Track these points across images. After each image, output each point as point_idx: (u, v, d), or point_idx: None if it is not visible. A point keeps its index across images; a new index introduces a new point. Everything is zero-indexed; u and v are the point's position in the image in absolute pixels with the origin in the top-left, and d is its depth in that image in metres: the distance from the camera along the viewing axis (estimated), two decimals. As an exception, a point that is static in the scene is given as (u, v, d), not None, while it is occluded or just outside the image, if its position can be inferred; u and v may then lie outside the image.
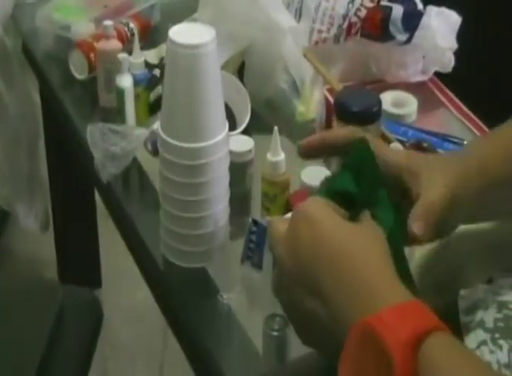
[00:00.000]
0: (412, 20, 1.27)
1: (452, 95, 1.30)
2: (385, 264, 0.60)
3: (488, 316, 0.67)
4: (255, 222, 0.97)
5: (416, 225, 0.66)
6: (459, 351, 0.55)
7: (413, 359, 0.53)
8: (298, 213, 0.63)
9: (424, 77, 1.32)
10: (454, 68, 1.30)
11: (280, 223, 0.65)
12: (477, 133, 1.22)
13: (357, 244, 0.61)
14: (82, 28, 1.36)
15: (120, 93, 1.23)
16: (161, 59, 1.29)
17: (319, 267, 0.60)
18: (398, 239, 0.65)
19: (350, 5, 1.30)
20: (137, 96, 1.24)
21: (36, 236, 1.79)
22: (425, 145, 1.13)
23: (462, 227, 0.75)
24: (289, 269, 0.63)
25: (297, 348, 0.88)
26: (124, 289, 1.75)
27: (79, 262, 1.72)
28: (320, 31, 1.30)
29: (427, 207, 0.68)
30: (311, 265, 0.61)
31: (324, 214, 0.63)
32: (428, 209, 0.68)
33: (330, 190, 0.67)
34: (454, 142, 1.17)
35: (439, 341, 0.54)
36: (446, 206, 0.68)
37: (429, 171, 0.70)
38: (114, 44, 1.30)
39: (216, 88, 0.95)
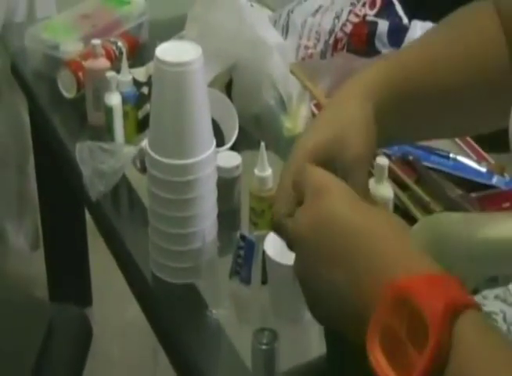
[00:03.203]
0: (397, 35, 1.28)
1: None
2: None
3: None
4: (243, 238, 0.98)
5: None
6: (494, 336, 0.53)
7: (449, 330, 0.52)
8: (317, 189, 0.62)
9: (410, 92, 1.33)
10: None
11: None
12: (463, 146, 1.23)
13: (384, 219, 0.60)
14: (70, 47, 1.37)
15: (109, 111, 1.23)
16: (149, 77, 1.29)
17: (341, 237, 0.58)
18: None
19: (336, 21, 1.31)
20: (125, 114, 1.25)
21: (26, 255, 1.79)
22: (411, 158, 1.14)
23: (444, 240, 0.76)
24: (309, 243, 0.60)
25: (286, 362, 0.88)
26: (114, 306, 1.74)
27: (69, 280, 1.71)
28: (307, 47, 1.31)
29: (362, 189, 0.67)
30: (335, 235, 0.59)
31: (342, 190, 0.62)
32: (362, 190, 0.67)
33: None
34: (440, 155, 1.18)
35: (475, 321, 0.53)
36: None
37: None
38: (102, 62, 1.31)
39: (203, 105, 0.96)
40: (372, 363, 0.53)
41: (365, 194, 0.67)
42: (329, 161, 0.67)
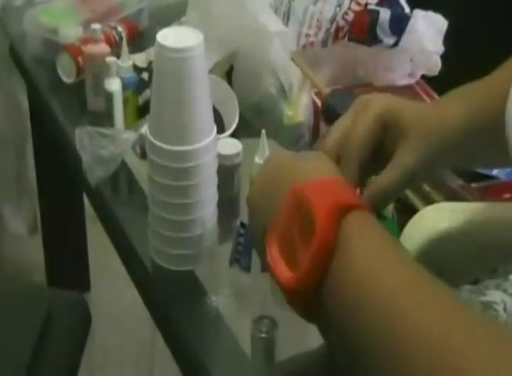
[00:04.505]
0: (399, 24, 1.27)
1: (438, 98, 1.30)
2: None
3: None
4: (243, 225, 0.98)
5: None
6: (376, 230, 0.55)
7: (334, 229, 0.53)
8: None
9: (411, 81, 1.32)
10: (441, 71, 1.31)
11: None
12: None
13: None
14: (70, 32, 1.36)
15: (109, 97, 1.23)
16: (150, 63, 1.29)
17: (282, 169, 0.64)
18: None
19: (337, 9, 1.30)
20: (125, 100, 1.24)
21: (24, 240, 1.79)
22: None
23: (447, 229, 0.76)
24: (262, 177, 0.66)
25: (286, 351, 0.88)
26: (112, 292, 1.74)
27: (68, 265, 1.71)
28: (308, 35, 1.31)
29: (380, 190, 0.70)
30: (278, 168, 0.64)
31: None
32: (380, 192, 0.70)
33: None
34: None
35: (361, 220, 0.55)
36: (409, 179, 0.71)
37: (407, 138, 0.71)
38: (102, 47, 1.30)
39: (204, 92, 0.95)
40: (267, 260, 0.56)
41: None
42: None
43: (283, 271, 0.55)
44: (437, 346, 0.47)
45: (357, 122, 0.71)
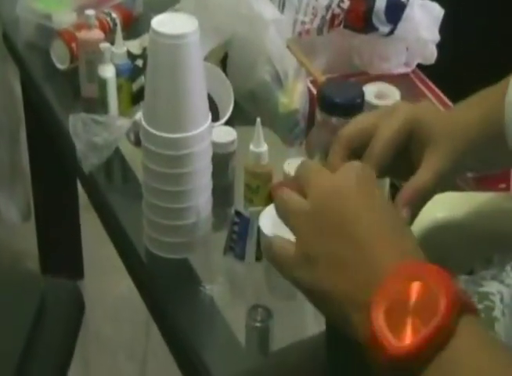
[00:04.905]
0: (395, 12, 1.27)
1: (434, 87, 1.30)
2: None
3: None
4: (238, 214, 0.97)
5: (404, 211, 0.69)
6: (493, 344, 0.55)
7: (454, 318, 0.53)
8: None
9: (407, 69, 1.32)
10: (437, 60, 1.30)
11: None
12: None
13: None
14: (64, 18, 1.35)
15: (103, 83, 1.22)
16: (144, 50, 1.28)
17: (351, 211, 0.60)
18: None
19: (333, -4, 1.29)
20: (119, 87, 1.24)
21: (17, 227, 1.78)
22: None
23: (443, 219, 0.75)
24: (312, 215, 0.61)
25: (280, 340, 0.88)
26: (106, 280, 1.74)
27: (61, 253, 1.71)
28: (303, 23, 1.30)
29: (416, 190, 0.70)
30: (343, 208, 0.60)
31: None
32: (416, 193, 0.70)
33: None
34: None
35: (479, 324, 0.55)
36: (440, 181, 0.71)
37: (434, 143, 0.72)
38: (96, 34, 1.29)
39: (199, 79, 0.95)
40: (372, 327, 0.54)
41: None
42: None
43: (390, 338, 0.54)
44: None
45: (383, 124, 0.72)
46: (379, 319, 0.55)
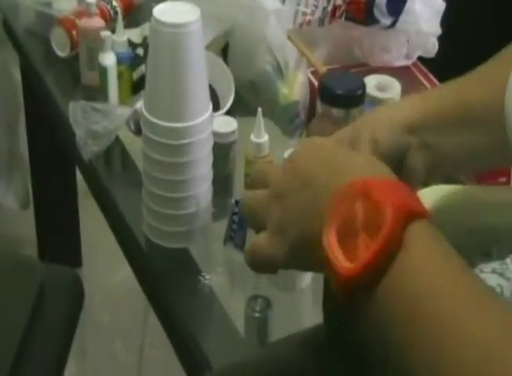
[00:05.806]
0: (396, 4, 1.27)
1: (435, 80, 1.30)
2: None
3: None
4: (238, 203, 0.97)
5: None
6: (439, 241, 0.54)
7: (402, 229, 0.52)
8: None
9: (408, 62, 1.32)
10: (437, 53, 1.30)
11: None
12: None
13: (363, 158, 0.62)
14: (64, 5, 1.35)
15: (103, 71, 1.22)
16: (145, 39, 1.28)
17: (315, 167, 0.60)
18: None
19: (335, -12, 1.29)
20: (120, 75, 1.23)
21: (16, 214, 1.78)
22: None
23: (442, 213, 0.76)
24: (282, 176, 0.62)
25: (279, 330, 0.88)
26: (105, 268, 1.74)
27: (59, 240, 1.71)
28: (305, 14, 1.30)
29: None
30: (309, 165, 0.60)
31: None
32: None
33: None
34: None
35: (428, 229, 0.54)
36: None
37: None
38: (97, 21, 1.29)
39: (200, 68, 0.94)
40: (324, 245, 0.54)
41: None
42: None
43: (341, 260, 0.53)
44: (497, 358, 0.47)
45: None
46: (331, 243, 0.54)
